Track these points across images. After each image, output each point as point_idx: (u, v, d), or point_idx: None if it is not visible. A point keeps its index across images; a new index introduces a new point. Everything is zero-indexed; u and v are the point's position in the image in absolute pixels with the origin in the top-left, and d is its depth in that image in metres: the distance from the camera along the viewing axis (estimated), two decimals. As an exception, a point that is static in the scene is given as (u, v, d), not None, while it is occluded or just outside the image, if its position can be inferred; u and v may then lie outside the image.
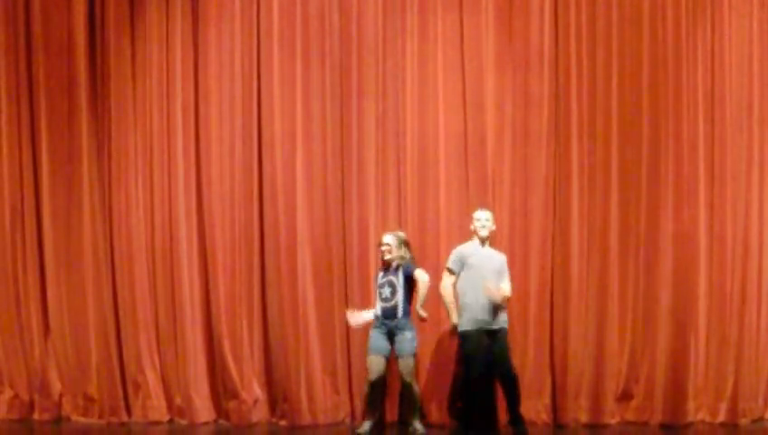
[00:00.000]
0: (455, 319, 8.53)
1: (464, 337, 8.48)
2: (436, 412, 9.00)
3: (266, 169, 9.24)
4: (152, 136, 9.35)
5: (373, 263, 9.06)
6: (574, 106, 9.08)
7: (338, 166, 9.23)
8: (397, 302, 8.58)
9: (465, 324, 8.46)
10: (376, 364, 8.55)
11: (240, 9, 9.30)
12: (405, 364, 8.52)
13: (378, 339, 8.59)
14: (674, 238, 8.95)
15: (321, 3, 9.24)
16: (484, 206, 8.81)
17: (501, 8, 9.18)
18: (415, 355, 8.62)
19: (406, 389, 8.59)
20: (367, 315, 8.71)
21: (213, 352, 9.22)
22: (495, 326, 8.42)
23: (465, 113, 9.20)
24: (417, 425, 8.61)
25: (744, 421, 8.88)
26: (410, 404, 8.64)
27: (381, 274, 8.71)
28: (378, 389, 8.63)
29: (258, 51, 9.29)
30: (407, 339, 8.53)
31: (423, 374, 9.05)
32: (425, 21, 9.23)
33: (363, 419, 8.74)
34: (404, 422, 8.76)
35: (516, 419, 8.46)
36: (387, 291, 8.59)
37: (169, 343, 9.25)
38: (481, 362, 8.35)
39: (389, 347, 8.58)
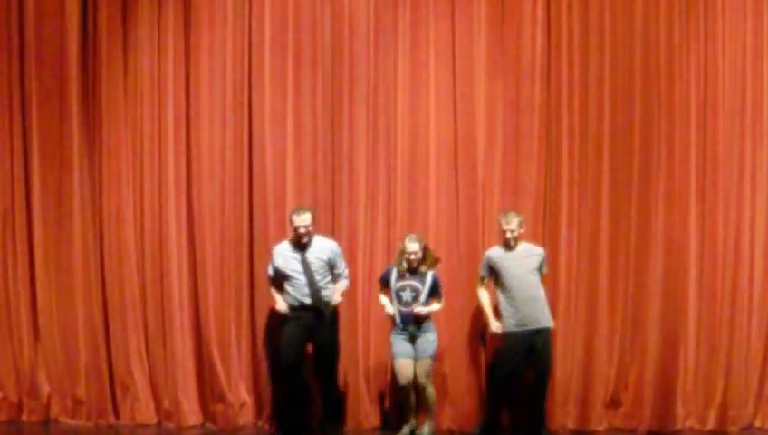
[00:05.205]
0: (491, 325, 8.66)
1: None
2: (451, 417, 8.97)
3: (257, 174, 9.22)
4: (143, 141, 9.35)
5: (361, 269, 9.05)
6: (565, 113, 9.05)
7: (328, 172, 9.21)
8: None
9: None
10: (405, 368, 8.48)
11: (232, 15, 9.27)
12: (423, 366, 8.49)
13: (401, 343, 8.51)
14: (664, 245, 8.90)
15: (312, 9, 9.22)
16: (513, 209, 8.80)
17: (493, 16, 9.14)
18: (434, 357, 8.61)
19: (420, 391, 8.55)
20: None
21: (201, 355, 9.21)
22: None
23: (455, 120, 9.16)
24: (427, 430, 8.57)
25: (733, 429, 8.82)
26: (424, 407, 8.60)
27: (396, 274, 8.61)
28: (409, 392, 8.56)
29: (249, 57, 9.26)
30: (428, 341, 8.51)
31: (440, 379, 8.95)
32: (416, 27, 9.19)
33: (403, 423, 8.71)
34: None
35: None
36: (408, 295, 8.53)
37: (158, 346, 9.23)
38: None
39: (413, 348, 8.53)
